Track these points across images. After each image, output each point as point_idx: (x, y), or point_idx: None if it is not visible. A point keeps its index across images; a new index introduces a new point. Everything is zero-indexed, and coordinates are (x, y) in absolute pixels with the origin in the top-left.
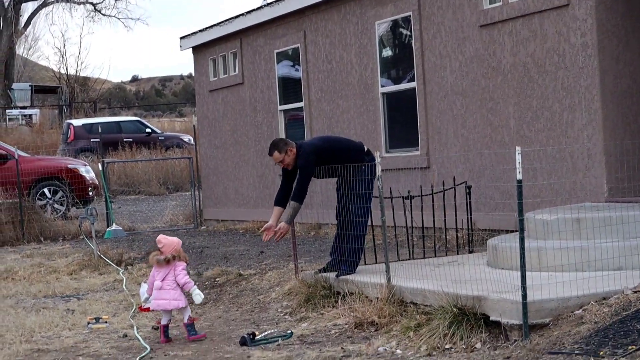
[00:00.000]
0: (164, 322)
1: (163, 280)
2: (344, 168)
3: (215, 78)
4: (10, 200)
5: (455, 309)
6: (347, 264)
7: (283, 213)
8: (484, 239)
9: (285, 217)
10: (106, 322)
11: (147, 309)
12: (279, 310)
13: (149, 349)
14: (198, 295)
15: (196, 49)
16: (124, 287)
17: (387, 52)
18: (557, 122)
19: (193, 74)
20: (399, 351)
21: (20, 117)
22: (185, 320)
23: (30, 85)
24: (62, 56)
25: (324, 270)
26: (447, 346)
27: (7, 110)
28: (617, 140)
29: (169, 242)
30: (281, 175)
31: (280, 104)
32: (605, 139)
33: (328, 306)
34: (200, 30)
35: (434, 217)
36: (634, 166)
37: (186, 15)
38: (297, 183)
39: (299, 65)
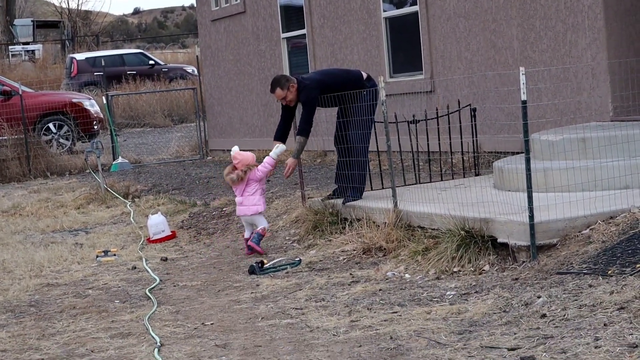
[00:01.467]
0: (246, 235)
1: (242, 194)
2: (346, 95)
3: (217, 7)
4: (16, 137)
5: (462, 232)
6: (352, 190)
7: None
8: (490, 162)
9: (293, 152)
10: (115, 255)
11: (155, 241)
12: (287, 238)
13: (158, 280)
14: (278, 148)
15: None
16: (132, 219)
17: None
18: (561, 42)
19: (195, 4)
20: (407, 275)
21: (23, 53)
22: (258, 229)
23: (32, 21)
24: None
25: (331, 197)
26: (455, 269)
27: (10, 47)
28: (622, 58)
29: (243, 159)
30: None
31: (282, 32)
32: (610, 57)
33: (336, 233)
34: None
35: (439, 140)
36: (639, 84)
37: None
38: (302, 118)
39: None
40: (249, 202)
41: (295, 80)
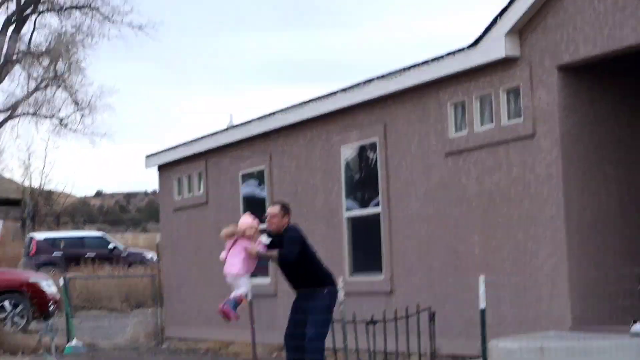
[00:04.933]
0: (222, 255)
1: (228, 251)
2: (308, 283)
3: (180, 197)
4: None
5: None
6: None
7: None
8: None
9: (257, 252)
10: None
11: None
12: None
13: None
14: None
15: (162, 168)
16: None
17: (353, 177)
18: (522, 251)
19: (157, 191)
20: None
21: None
22: (235, 295)
23: None
24: (27, 169)
25: None
26: None
27: None
28: (582, 270)
29: (242, 223)
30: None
31: None
32: (570, 269)
33: None
34: (165, 150)
35: (397, 342)
36: (598, 296)
37: (152, 132)
38: (287, 248)
39: (264, 185)
40: (230, 262)
41: (289, 220)
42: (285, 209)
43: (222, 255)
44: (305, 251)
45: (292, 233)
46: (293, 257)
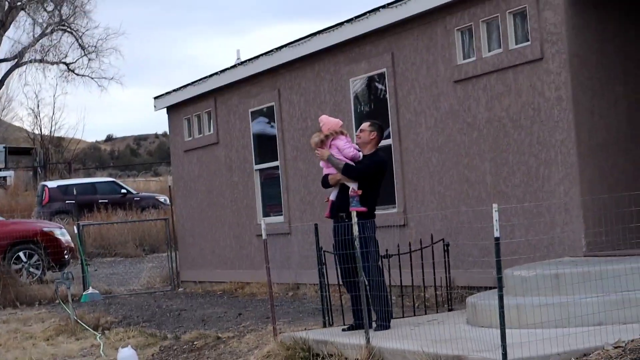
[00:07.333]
0: (332, 197)
1: (327, 165)
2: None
3: (190, 138)
4: None
5: None
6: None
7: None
8: (463, 297)
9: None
10: None
11: None
12: None
13: None
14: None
15: (170, 109)
16: (102, 352)
17: (362, 109)
18: (534, 176)
19: (168, 133)
20: None
21: None
22: (350, 192)
23: (4, 147)
24: (36, 117)
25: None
26: None
27: None
28: (594, 193)
29: (327, 122)
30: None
31: (255, 163)
32: (582, 192)
33: None
34: (174, 90)
35: (412, 275)
36: (611, 220)
37: (160, 74)
38: (357, 167)
39: (274, 123)
40: (330, 171)
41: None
42: (375, 126)
43: (325, 171)
44: (369, 181)
45: (374, 159)
46: (353, 175)
